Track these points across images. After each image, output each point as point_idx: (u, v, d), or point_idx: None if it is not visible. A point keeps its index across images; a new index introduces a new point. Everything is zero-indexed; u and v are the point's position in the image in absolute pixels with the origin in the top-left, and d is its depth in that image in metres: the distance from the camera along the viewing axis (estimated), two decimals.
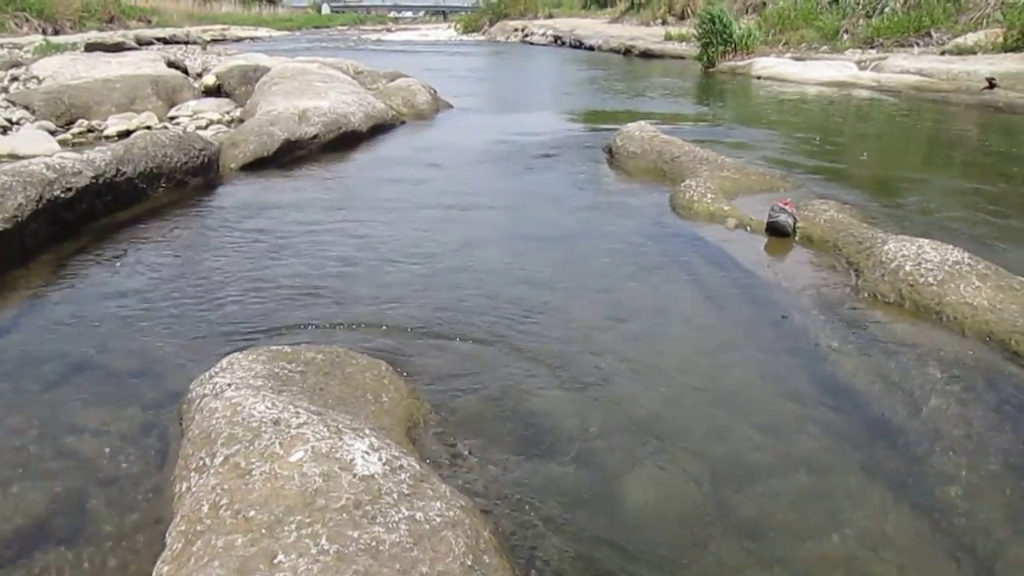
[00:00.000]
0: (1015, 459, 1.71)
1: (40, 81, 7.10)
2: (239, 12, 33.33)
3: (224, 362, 1.82)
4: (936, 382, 2.05)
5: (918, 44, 11.53)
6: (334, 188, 4.31)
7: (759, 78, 10.74)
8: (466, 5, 43.64)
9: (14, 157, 4.29)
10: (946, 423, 1.85)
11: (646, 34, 18.30)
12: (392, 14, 58.51)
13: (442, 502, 1.32)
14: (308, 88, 6.02)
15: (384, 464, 1.36)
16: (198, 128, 5.75)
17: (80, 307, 2.52)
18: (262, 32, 27.89)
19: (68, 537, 1.45)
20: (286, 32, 30.63)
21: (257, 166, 4.64)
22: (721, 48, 12.25)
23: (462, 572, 1.18)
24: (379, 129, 6.02)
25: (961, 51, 10.10)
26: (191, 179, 4.12)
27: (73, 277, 2.80)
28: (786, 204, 3.30)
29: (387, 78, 8.26)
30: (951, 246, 2.67)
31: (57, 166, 3.20)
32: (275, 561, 1.13)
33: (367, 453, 1.38)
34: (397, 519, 1.23)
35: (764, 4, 16.04)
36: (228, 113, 6.48)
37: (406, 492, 1.31)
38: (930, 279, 2.51)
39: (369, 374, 1.89)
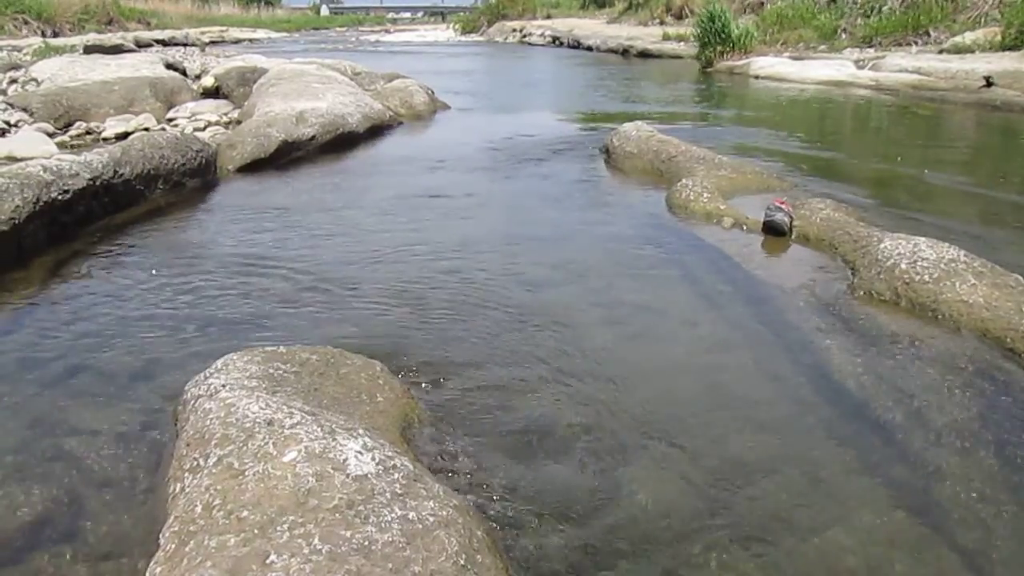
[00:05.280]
0: (1011, 455, 1.71)
1: (38, 83, 7.10)
2: (238, 14, 33.35)
3: (219, 363, 1.82)
4: (931, 380, 2.05)
5: (916, 43, 11.52)
6: (331, 189, 4.31)
7: (757, 78, 10.74)
8: (464, 6, 43.68)
9: (12, 159, 4.29)
10: (942, 420, 1.85)
11: (644, 34, 18.30)
12: (390, 15, 58.62)
13: (435, 501, 1.32)
14: (306, 89, 6.02)
15: (377, 464, 1.37)
16: (196, 130, 5.75)
17: (77, 309, 2.52)
18: (261, 34, 27.88)
19: (63, 538, 1.46)
20: (285, 34, 30.63)
21: (254, 167, 4.64)
22: (719, 48, 12.24)
23: (455, 571, 1.19)
24: (377, 130, 6.02)
25: (959, 50, 10.09)
26: (188, 181, 4.13)
27: (70, 279, 2.80)
28: (782, 203, 3.30)
29: (385, 79, 8.26)
30: (947, 244, 2.67)
31: (54, 168, 3.20)
32: (267, 561, 1.13)
33: (360, 453, 1.38)
34: (390, 519, 1.24)
35: (762, 4, 16.04)
36: (226, 115, 6.48)
37: (399, 492, 1.31)
38: (926, 277, 2.51)
39: (364, 374, 1.90)
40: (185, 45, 17.55)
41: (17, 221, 2.89)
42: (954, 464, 1.69)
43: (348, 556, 1.15)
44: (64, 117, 5.87)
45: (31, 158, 3.59)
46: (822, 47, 12.82)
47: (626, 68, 13.61)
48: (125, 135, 5.29)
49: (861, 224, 3.16)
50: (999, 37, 9.86)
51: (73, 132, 5.70)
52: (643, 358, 2.22)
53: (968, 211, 3.76)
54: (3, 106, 5.93)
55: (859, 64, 10.38)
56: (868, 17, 12.89)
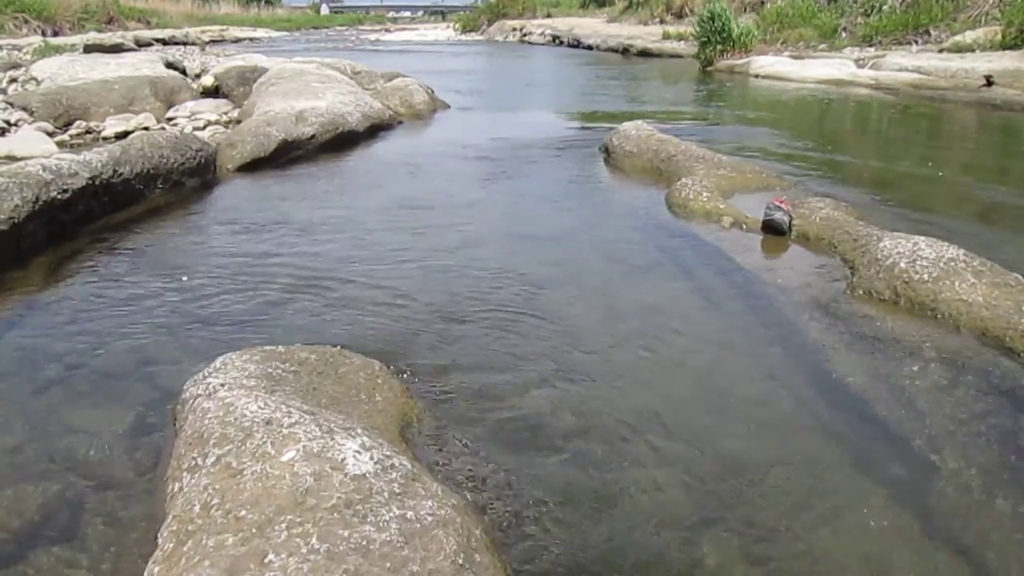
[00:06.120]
0: (1010, 455, 1.71)
1: (39, 82, 7.10)
2: (238, 13, 33.30)
3: (218, 362, 1.83)
4: (931, 379, 2.05)
5: (916, 42, 11.52)
6: (330, 189, 4.31)
7: (757, 77, 10.74)
8: (465, 5, 43.67)
9: (11, 159, 4.29)
10: (941, 419, 1.85)
11: (644, 33, 18.31)
12: (391, 14, 58.60)
13: (433, 501, 1.32)
14: (305, 89, 6.02)
15: (375, 463, 1.37)
16: (196, 129, 5.75)
17: (76, 308, 2.52)
18: (261, 33, 27.85)
19: (61, 538, 1.46)
20: (285, 33, 30.59)
21: (254, 167, 4.64)
22: (719, 47, 12.24)
23: (453, 570, 1.19)
24: (376, 129, 6.02)
25: (959, 49, 10.09)
26: (188, 180, 4.12)
27: (69, 279, 2.80)
28: (782, 202, 3.29)
29: (385, 78, 8.25)
30: (946, 243, 2.67)
31: (54, 167, 3.20)
32: (265, 560, 1.13)
33: (358, 452, 1.38)
34: (388, 518, 1.24)
35: (762, 3, 16.03)
36: (226, 114, 6.48)
37: (397, 491, 1.31)
38: (925, 276, 2.51)
39: (363, 374, 1.90)
40: (185, 44, 17.54)
41: (16, 220, 2.89)
42: (953, 463, 1.69)
43: (346, 555, 1.15)
44: (64, 116, 5.87)
45: (31, 157, 3.59)
46: (822, 46, 12.82)
47: (626, 67, 13.60)
48: (125, 134, 5.29)
49: (860, 223, 3.16)
50: (999, 36, 9.87)
51: (73, 131, 5.70)
52: (642, 357, 2.22)
53: (969, 210, 3.75)
54: (3, 105, 5.93)
55: (859, 63, 10.38)
56: (868, 16, 12.89)
